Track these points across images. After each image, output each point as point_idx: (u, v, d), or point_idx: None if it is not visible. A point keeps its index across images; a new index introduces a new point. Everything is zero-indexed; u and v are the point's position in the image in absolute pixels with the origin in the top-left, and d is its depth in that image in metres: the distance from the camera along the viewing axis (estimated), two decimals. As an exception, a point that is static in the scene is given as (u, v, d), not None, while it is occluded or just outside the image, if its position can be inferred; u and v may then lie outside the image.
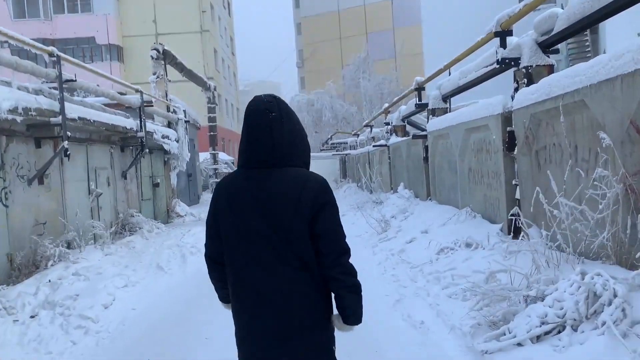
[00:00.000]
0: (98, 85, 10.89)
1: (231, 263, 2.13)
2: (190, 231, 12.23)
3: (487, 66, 7.75)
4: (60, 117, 8.49)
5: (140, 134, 12.66)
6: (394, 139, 14.49)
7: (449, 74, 10.74)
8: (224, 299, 2.37)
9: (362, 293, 2.16)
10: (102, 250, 9.07)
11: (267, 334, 2.05)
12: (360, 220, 11.94)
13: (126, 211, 12.24)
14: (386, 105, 16.49)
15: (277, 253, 2.03)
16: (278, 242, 2.03)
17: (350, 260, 2.14)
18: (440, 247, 6.27)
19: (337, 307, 2.13)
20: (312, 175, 2.19)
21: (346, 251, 2.12)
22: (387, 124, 15.04)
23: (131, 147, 13.48)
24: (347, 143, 27.75)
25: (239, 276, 2.10)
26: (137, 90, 12.80)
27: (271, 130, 2.11)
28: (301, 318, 2.05)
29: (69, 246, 9.12)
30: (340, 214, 2.21)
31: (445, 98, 10.34)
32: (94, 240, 10.03)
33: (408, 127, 14.75)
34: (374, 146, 15.24)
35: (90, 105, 10.73)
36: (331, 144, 30.15)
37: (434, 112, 10.46)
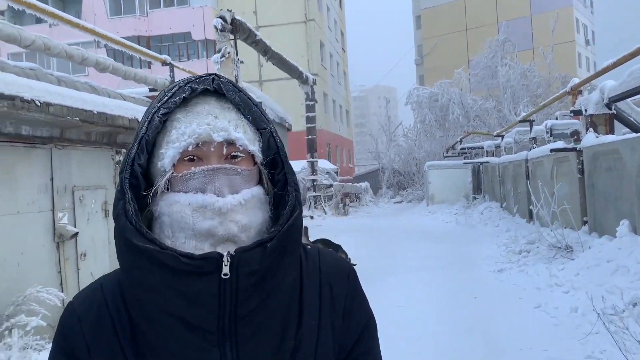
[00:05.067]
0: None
1: None
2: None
3: None
4: None
5: (169, 132, 7.91)
6: (590, 139, 8.34)
7: None
8: None
9: None
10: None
11: None
12: (584, 308, 5.94)
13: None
14: (576, 80, 10.22)
15: None
16: None
17: None
18: None
19: None
20: None
21: None
22: (577, 112, 8.89)
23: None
24: (482, 148, 21.40)
25: None
26: (164, 63, 8.08)
27: None
28: None
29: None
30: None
31: None
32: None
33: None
34: (551, 151, 9.17)
35: (56, 81, 6.11)
36: (460, 149, 23.85)
37: None
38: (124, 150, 7.76)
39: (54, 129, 6.27)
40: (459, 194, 21.63)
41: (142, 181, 0.92)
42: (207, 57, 30.76)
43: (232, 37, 12.51)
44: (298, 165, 21.33)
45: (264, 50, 14.91)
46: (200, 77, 0.96)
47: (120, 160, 7.65)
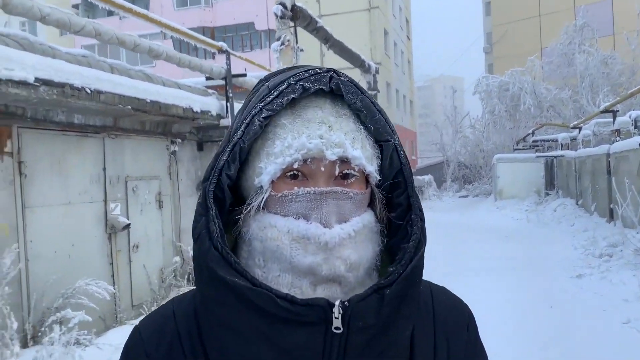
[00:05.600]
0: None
1: None
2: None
3: None
4: None
5: (225, 122, 7.74)
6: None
7: None
8: None
9: None
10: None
11: None
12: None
13: (189, 250, 7.34)
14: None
15: None
16: None
17: None
18: None
19: None
20: None
21: None
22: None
23: (219, 144, 8.67)
24: (556, 140, 20.06)
25: None
26: (220, 50, 7.85)
27: None
28: None
29: None
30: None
31: None
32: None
33: None
34: (641, 144, 8.22)
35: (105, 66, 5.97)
36: (532, 141, 22.49)
37: None
38: (179, 140, 7.62)
39: (107, 118, 6.16)
40: (530, 189, 20.42)
41: (228, 194, 0.78)
42: (269, 48, 30.82)
43: (292, 24, 12.18)
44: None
45: (325, 38, 14.46)
46: (316, 73, 0.78)
47: (175, 151, 7.51)
